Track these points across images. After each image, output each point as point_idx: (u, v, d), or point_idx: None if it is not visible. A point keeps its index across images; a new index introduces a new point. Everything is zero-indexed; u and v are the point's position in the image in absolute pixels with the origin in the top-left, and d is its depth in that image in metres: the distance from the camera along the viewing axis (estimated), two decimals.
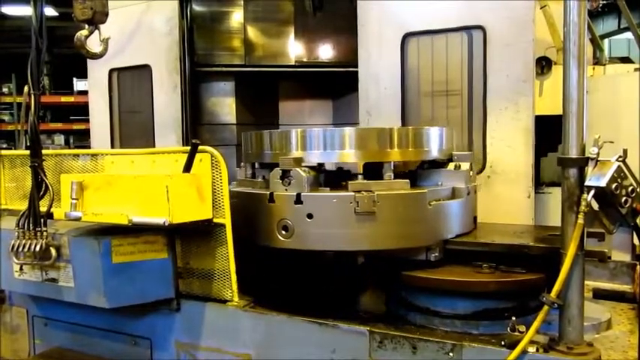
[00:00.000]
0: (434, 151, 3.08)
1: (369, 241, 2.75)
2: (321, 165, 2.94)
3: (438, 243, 2.88)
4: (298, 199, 2.77)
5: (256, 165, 3.30)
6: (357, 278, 3.48)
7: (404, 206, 2.76)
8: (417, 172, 3.19)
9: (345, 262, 3.45)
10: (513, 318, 2.43)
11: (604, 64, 5.07)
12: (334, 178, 3.00)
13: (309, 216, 2.76)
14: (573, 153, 2.32)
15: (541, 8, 4.30)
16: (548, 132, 3.61)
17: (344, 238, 2.77)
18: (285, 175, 2.82)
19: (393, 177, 2.87)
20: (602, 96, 4.14)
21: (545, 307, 2.31)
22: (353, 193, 2.72)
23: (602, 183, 2.22)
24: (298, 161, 2.84)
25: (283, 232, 2.82)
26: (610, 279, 3.57)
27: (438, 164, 3.16)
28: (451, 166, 3.12)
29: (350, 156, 2.89)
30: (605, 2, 4.38)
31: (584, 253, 2.35)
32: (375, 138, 2.94)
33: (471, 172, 3.16)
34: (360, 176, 2.85)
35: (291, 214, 2.80)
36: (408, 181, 2.87)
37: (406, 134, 3.01)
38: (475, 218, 3.24)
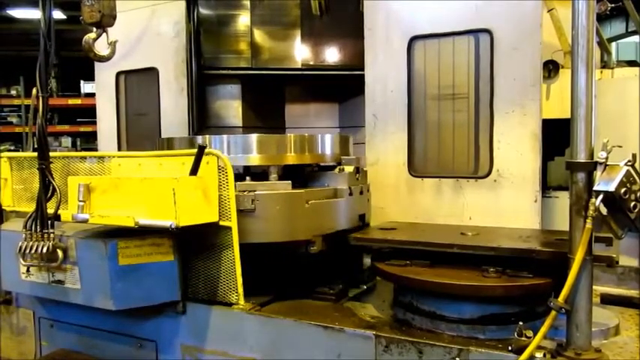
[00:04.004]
0: (324, 156, 3.45)
1: (250, 235, 3.00)
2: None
3: (317, 237, 3.13)
4: None
5: None
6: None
7: (281, 204, 3.04)
8: (308, 174, 3.50)
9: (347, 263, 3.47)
10: (520, 323, 2.43)
11: (612, 68, 5.04)
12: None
13: None
14: (582, 157, 2.31)
15: (548, 11, 4.27)
16: (555, 135, 3.59)
17: None
18: None
19: (277, 178, 3.18)
20: (610, 99, 4.11)
21: (553, 312, 2.29)
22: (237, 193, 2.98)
23: (611, 188, 2.20)
24: None
25: None
26: (618, 284, 3.54)
27: (329, 167, 3.47)
28: (337, 169, 3.41)
29: (244, 159, 3.22)
30: (613, 5, 4.33)
31: (592, 258, 2.34)
32: (274, 144, 3.28)
33: (358, 175, 3.48)
34: (247, 177, 3.18)
35: None
36: (289, 182, 3.15)
37: (300, 141, 3.35)
38: (363, 216, 3.49)
